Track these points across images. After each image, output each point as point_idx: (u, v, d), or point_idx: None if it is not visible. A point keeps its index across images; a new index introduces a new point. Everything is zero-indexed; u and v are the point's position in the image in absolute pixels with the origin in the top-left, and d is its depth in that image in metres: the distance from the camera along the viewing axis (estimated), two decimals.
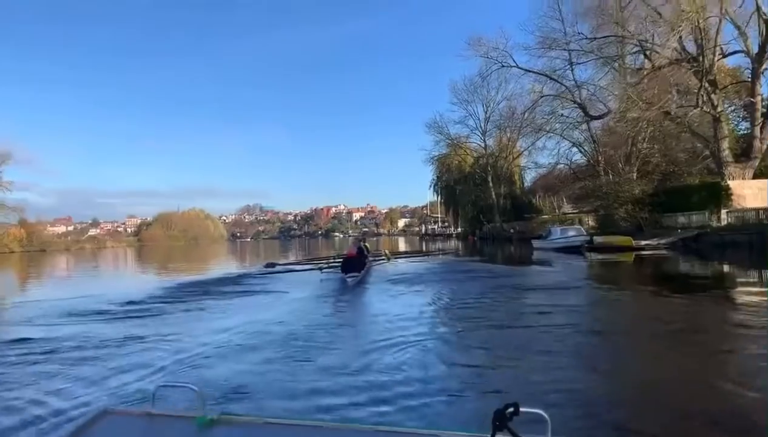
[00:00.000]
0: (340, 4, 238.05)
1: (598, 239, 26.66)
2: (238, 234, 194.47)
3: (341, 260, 16.43)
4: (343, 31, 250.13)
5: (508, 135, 57.08)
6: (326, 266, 17.75)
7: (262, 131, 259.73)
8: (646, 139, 37.13)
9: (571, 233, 28.48)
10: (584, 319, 8.55)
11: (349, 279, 13.42)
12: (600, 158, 42.33)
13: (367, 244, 20.54)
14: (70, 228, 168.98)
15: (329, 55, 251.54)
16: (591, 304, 10.60)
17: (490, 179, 58.93)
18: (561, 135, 43.90)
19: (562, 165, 46.90)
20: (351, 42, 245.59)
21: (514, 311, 9.20)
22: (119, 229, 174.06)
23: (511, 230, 52.66)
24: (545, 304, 9.57)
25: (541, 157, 52.39)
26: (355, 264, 14.39)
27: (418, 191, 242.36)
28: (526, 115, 45.51)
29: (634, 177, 36.58)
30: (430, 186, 73.27)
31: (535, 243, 31.74)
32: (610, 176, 41.96)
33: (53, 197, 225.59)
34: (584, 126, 43.22)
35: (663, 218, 31.31)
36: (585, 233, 28.21)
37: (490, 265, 21.47)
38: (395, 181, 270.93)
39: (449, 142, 63.49)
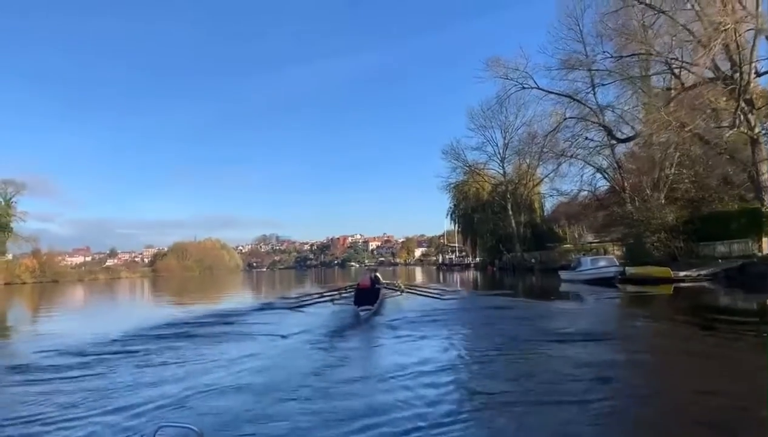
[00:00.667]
0: (357, 40, 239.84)
1: (631, 270, 24.65)
2: (255, 264, 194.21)
3: (353, 290, 15.89)
4: (359, 65, 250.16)
5: (528, 162, 55.15)
6: (339, 297, 16.90)
7: (281, 164, 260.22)
8: (674, 164, 35.07)
9: (603, 263, 26.45)
10: (647, 388, 6.44)
11: (362, 313, 12.59)
12: (625, 185, 40.21)
13: (378, 274, 19.38)
14: (88, 258, 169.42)
15: (345, 91, 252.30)
16: (646, 363, 8.17)
17: (509, 206, 56.85)
18: (584, 160, 41.84)
19: (586, 192, 44.71)
20: (367, 77, 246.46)
21: (549, 373, 7.11)
22: (136, 259, 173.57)
23: (533, 260, 50.37)
24: (587, 361, 7.66)
25: (562, 184, 50.42)
26: (369, 296, 13.70)
27: (435, 220, 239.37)
28: (547, 139, 43.55)
29: (662, 204, 34.38)
30: (447, 214, 71.40)
31: (563, 274, 29.76)
32: (636, 203, 39.79)
33: (74, 227, 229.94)
34: (608, 151, 41.24)
35: (699, 248, 29.00)
36: (617, 264, 26.18)
37: (513, 300, 19.45)
38: (412, 210, 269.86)
39: (466, 169, 61.91)
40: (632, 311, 15.48)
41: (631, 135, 35.79)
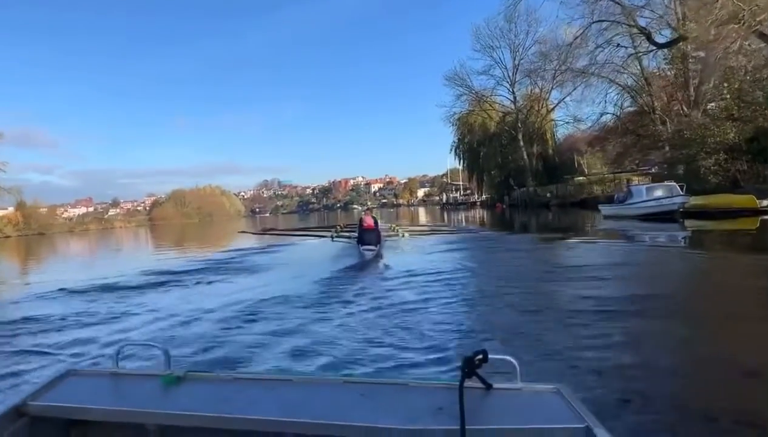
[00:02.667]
0: None
1: (698, 199, 19.60)
2: (257, 210, 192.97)
3: (351, 229, 16.09)
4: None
5: (540, 86, 49.80)
6: (336, 234, 16.32)
7: (281, 107, 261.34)
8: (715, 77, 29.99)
9: (660, 192, 20.76)
10: None
11: (367, 252, 12.27)
12: (655, 104, 35.20)
13: (375, 215, 16.81)
14: (91, 209, 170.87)
15: (344, 28, 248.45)
16: None
17: (520, 137, 51.40)
18: (609, 78, 36.59)
19: (610, 115, 39.55)
20: (367, 12, 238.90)
21: None
22: (139, 208, 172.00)
23: (548, 195, 45.75)
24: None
25: (579, 109, 45.39)
26: (372, 237, 13.16)
27: (438, 159, 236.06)
28: (565, 55, 38.13)
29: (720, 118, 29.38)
30: (451, 150, 65.40)
31: (606, 209, 24.12)
32: (668, 126, 34.89)
33: (76, 179, 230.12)
34: (635, 69, 36.02)
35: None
36: (681, 192, 20.33)
37: (545, 248, 15.06)
38: (414, 150, 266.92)
39: (472, 96, 55.43)
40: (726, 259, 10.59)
41: (673, 38, 30.10)
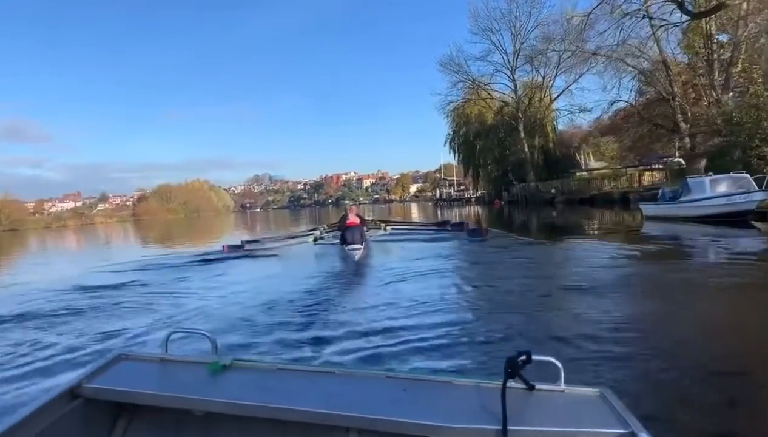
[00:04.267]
0: None
1: None
2: (248, 205, 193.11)
3: (333, 229, 15.22)
4: None
5: (542, 73, 45.90)
6: (319, 235, 15.16)
7: (274, 101, 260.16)
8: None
9: (725, 186, 15.51)
10: None
11: (351, 253, 10.80)
12: (674, 89, 31.44)
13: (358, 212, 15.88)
14: (79, 204, 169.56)
15: (336, 20, 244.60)
16: None
17: (521, 128, 47.32)
18: (623, 60, 32.68)
19: (624, 103, 35.64)
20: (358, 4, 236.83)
21: None
22: (128, 203, 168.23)
23: (552, 191, 41.75)
24: None
25: (584, 99, 41.84)
26: (356, 235, 11.71)
27: (431, 154, 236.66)
28: (573, 36, 34.23)
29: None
30: (446, 143, 60.58)
31: (649, 208, 18.69)
32: (689, 114, 31.20)
33: (67, 172, 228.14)
34: (653, 50, 32.18)
35: None
36: (756, 187, 14.86)
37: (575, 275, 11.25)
38: (407, 145, 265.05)
39: (469, 83, 50.77)
40: None
41: (710, 6, 25.92)
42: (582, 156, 51.32)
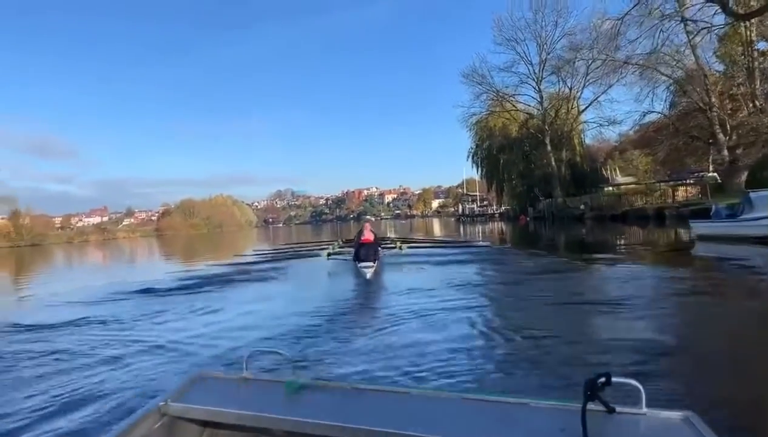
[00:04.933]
0: None
1: None
2: (271, 220, 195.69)
3: (348, 245, 15.29)
4: (371, 11, 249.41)
5: (570, 84, 44.23)
6: (334, 250, 15.34)
7: (297, 117, 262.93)
8: None
9: None
10: None
11: (364, 270, 10.51)
12: (711, 99, 29.59)
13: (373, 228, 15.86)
14: (105, 218, 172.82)
15: (358, 38, 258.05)
16: None
17: (548, 141, 45.58)
18: (656, 69, 30.96)
19: (657, 114, 33.76)
20: (380, 21, 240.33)
21: None
22: (153, 218, 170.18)
23: (582, 207, 39.91)
24: None
25: (614, 110, 40.26)
26: (370, 252, 11.67)
27: (453, 170, 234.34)
28: (603, 44, 32.64)
29: None
30: (468, 157, 59.08)
31: (700, 226, 16.10)
32: (727, 125, 29.36)
33: (94, 188, 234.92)
34: (689, 58, 30.44)
35: None
36: None
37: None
38: (429, 160, 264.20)
39: (493, 95, 49.04)
40: None
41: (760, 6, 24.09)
42: (609, 171, 49.58)
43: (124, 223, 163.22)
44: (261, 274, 12.57)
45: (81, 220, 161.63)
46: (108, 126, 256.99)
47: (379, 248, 13.56)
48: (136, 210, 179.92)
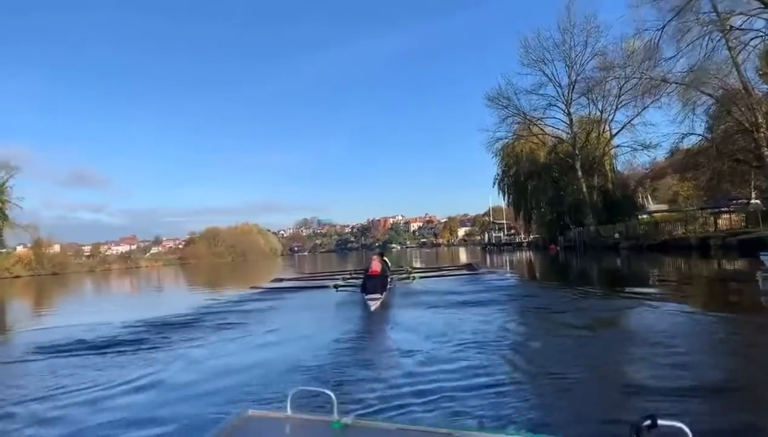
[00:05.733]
0: (393, 19, 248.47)
1: None
2: (296, 249, 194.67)
3: (359, 275, 15.07)
4: (398, 42, 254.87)
5: (601, 107, 42.15)
6: (342, 282, 14.48)
7: (323, 146, 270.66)
8: None
9: None
10: None
11: (370, 302, 10.40)
12: (758, 119, 27.29)
13: (386, 258, 15.98)
14: (134, 247, 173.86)
15: (383, 70, 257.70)
16: None
17: (578, 166, 43.26)
18: (696, 88, 28.79)
19: (699, 136, 31.36)
20: (406, 54, 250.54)
21: None
22: (180, 246, 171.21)
23: (616, 235, 37.47)
24: None
25: (648, 133, 38.11)
26: (377, 284, 11.44)
27: (479, 198, 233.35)
28: (638, 62, 30.74)
29: None
30: (494, 183, 56.61)
31: None
32: None
33: (124, 217, 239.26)
34: (732, 75, 28.25)
35: None
36: None
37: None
38: (455, 189, 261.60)
39: (520, 118, 46.60)
40: None
41: None
42: (641, 198, 47.23)
43: (152, 251, 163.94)
44: (253, 310, 11.75)
45: (110, 248, 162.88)
46: (140, 157, 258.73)
47: (390, 279, 13.66)
48: (164, 239, 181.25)
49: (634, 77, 32.57)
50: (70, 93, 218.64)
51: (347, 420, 1.77)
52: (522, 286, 15.39)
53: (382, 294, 11.08)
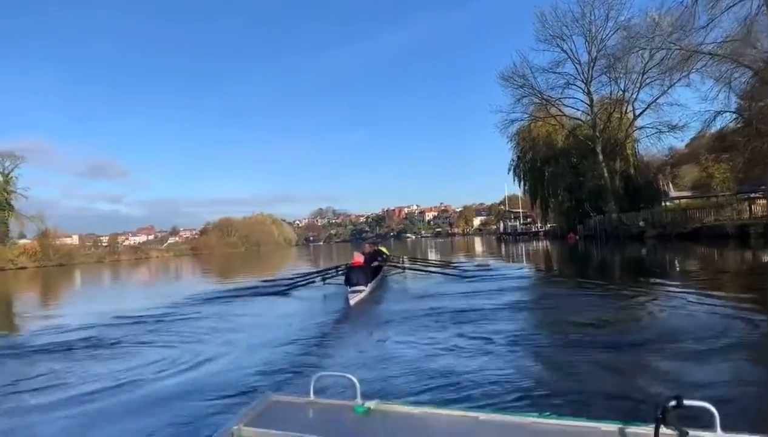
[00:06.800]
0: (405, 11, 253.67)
1: None
2: (311, 238, 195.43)
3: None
4: (413, 32, 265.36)
5: (623, 86, 39.19)
6: (331, 276, 13.77)
7: (335, 136, 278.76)
8: None
9: None
10: None
11: (350, 296, 9.74)
12: None
13: (383, 248, 16.33)
14: (151, 237, 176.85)
15: (393, 63, 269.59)
16: None
17: (599, 150, 40.32)
18: (736, 60, 25.87)
19: (734, 115, 28.46)
20: (421, 43, 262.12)
21: None
22: (195, 236, 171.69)
23: (641, 223, 34.69)
24: None
25: (674, 113, 35.25)
26: (361, 276, 10.88)
27: (495, 187, 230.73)
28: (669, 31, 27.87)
29: None
30: (510, 169, 53.58)
31: None
32: None
33: (142, 208, 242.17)
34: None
35: None
36: None
37: None
38: (470, 178, 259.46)
39: (536, 98, 43.15)
40: None
41: None
42: (663, 184, 44.73)
43: (168, 241, 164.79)
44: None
45: (127, 238, 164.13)
46: (159, 149, 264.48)
47: (380, 268, 13.53)
48: (181, 229, 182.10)
49: (663, 48, 29.66)
50: (89, 88, 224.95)
51: (370, 404, 1.77)
52: (540, 284, 13.01)
53: (366, 286, 10.54)
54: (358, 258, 11.83)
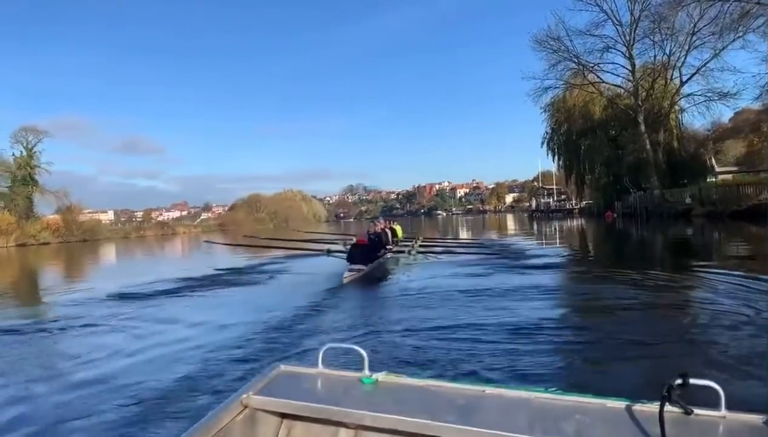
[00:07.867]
0: None
1: None
2: (342, 215, 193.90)
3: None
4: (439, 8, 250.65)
5: (669, 50, 35.67)
6: (336, 248, 13.85)
7: (371, 112, 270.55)
8: None
9: None
10: None
11: (346, 273, 10.18)
12: None
13: (396, 226, 16.62)
14: (185, 213, 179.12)
15: (425, 35, 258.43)
16: None
17: (641, 120, 36.98)
18: None
19: None
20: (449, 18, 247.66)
21: None
22: (227, 212, 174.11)
23: (688, 200, 31.58)
24: None
25: (726, 80, 31.87)
26: (364, 255, 11.35)
27: (528, 163, 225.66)
28: None
29: None
30: (543, 143, 50.35)
31: None
32: None
33: (178, 184, 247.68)
34: None
35: None
36: None
37: None
38: (503, 154, 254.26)
39: (573, 64, 39.66)
40: None
41: None
42: (707, 160, 41.62)
43: (201, 217, 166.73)
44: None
45: (161, 214, 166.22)
46: (193, 125, 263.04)
47: (385, 249, 13.36)
48: (214, 205, 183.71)
49: (717, 0, 26.34)
50: (126, 68, 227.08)
51: (378, 375, 1.80)
52: (573, 275, 10.77)
53: (366, 266, 10.78)
54: (362, 238, 12.26)
